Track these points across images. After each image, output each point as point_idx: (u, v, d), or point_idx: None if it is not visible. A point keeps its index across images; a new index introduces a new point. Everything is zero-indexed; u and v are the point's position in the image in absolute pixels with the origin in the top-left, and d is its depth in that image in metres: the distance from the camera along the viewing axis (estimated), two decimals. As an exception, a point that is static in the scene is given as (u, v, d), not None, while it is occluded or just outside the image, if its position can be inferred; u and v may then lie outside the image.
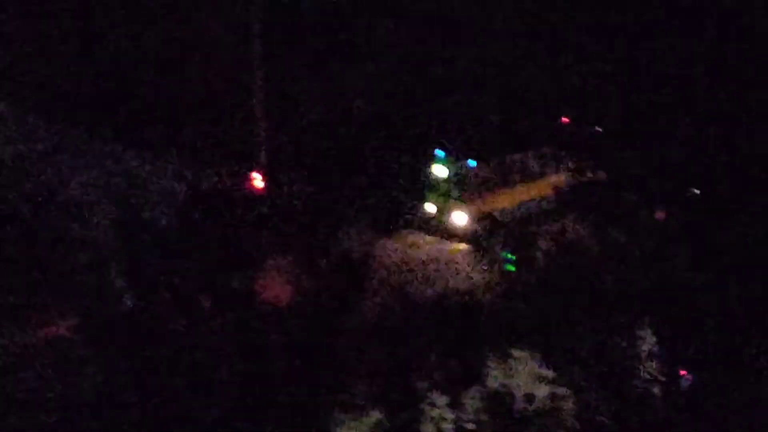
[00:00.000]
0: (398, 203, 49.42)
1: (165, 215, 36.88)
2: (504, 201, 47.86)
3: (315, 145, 51.20)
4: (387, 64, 53.10)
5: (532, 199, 50.77)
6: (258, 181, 50.50)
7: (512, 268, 39.27)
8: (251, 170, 51.28)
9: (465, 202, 48.01)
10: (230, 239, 34.23)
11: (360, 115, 51.92)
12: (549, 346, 33.11)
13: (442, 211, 49.93)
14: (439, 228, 49.53)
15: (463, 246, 46.86)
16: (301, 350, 32.10)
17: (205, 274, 33.00)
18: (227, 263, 33.32)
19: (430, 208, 50.49)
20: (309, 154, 50.54)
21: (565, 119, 50.47)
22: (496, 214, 42.86)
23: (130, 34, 55.62)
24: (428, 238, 48.99)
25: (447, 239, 48.64)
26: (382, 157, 50.41)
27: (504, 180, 47.43)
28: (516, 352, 33.23)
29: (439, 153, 50.27)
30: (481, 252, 38.27)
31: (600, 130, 39.87)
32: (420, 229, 49.72)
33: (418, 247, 47.84)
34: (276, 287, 33.48)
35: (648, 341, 32.17)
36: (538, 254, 36.46)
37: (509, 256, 39.98)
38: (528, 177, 52.01)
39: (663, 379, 31.55)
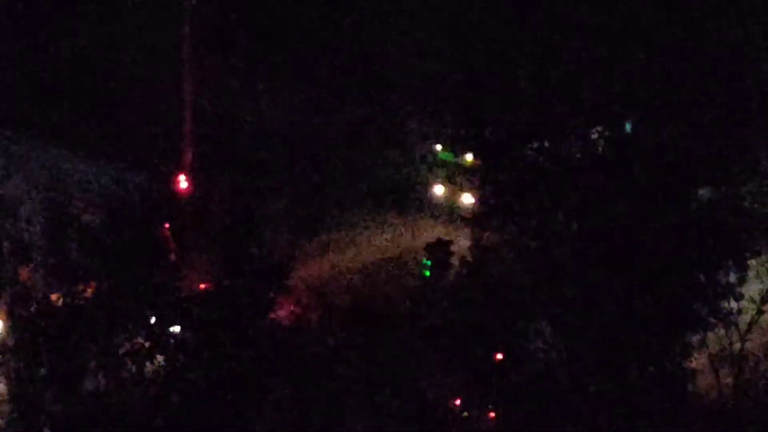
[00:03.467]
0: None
1: (92, 214, 36.90)
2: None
3: (239, 151, 53.40)
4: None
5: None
6: (183, 182, 52.37)
7: (427, 274, 41.06)
8: (177, 172, 53.26)
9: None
10: (155, 238, 34.90)
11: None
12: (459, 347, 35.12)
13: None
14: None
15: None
16: (215, 344, 33.16)
17: (129, 271, 33.56)
18: (151, 261, 34.11)
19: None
20: (233, 159, 52.87)
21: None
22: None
23: (66, 35, 56.48)
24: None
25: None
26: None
27: None
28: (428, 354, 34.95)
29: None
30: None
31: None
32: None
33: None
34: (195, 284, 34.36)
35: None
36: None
37: (426, 262, 41.65)
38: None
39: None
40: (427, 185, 54.24)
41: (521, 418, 33.73)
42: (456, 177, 44.94)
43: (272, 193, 47.73)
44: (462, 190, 50.03)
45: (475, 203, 45.41)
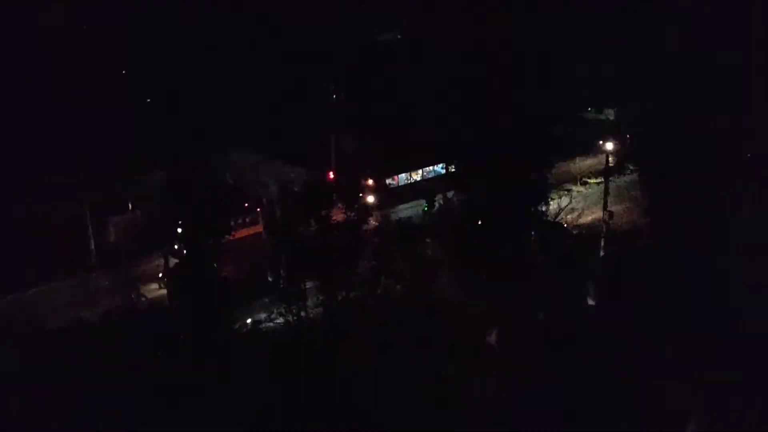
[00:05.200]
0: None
1: (296, 188, 61.26)
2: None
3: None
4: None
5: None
6: (331, 175, 77.64)
7: (426, 209, 67.31)
8: (329, 171, 78.57)
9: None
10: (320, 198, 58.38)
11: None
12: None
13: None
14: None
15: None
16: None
17: (307, 209, 57.90)
18: (319, 205, 58.12)
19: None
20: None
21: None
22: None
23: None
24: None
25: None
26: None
27: None
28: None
29: None
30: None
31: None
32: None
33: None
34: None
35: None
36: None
37: (426, 204, 67.86)
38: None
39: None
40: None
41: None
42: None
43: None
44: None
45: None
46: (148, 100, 69.88)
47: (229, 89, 67.62)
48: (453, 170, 65.39)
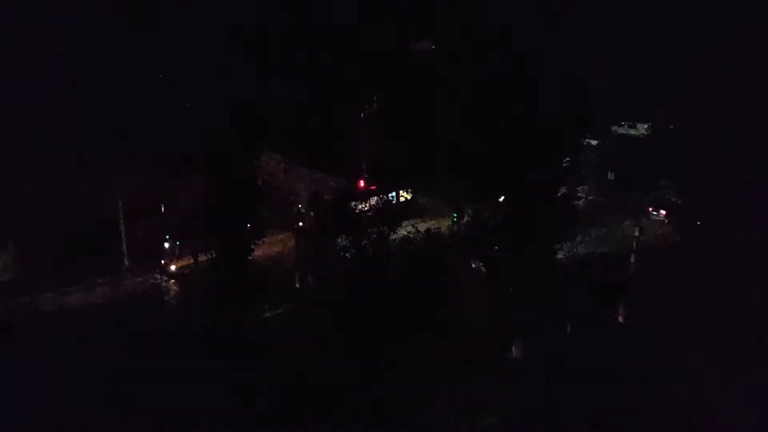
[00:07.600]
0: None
1: (328, 195, 60.72)
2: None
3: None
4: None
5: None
6: (363, 182, 73.86)
7: (455, 218, 64.62)
8: (360, 178, 74.58)
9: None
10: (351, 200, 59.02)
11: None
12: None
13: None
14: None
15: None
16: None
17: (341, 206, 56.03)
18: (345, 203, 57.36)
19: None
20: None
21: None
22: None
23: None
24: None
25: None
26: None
27: None
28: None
29: None
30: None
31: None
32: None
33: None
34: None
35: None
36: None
37: (455, 215, 65.22)
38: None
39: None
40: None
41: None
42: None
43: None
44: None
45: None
46: (187, 104, 63.77)
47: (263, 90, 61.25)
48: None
